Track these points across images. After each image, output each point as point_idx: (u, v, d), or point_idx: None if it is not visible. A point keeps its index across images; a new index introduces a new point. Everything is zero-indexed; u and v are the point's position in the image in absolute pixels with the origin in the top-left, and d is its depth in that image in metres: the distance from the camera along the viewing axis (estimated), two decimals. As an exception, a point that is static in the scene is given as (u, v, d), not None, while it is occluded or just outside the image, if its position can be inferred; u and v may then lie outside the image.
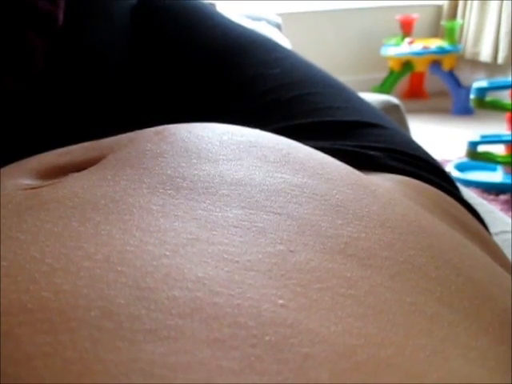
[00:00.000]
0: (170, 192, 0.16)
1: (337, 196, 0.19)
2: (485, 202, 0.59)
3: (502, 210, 1.45)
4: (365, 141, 0.34)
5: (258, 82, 0.39)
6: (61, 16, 0.39)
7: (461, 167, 1.69)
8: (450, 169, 1.67)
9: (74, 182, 0.17)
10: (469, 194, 0.59)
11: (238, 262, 0.13)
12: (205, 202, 0.16)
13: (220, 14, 0.47)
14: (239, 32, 0.44)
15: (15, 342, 0.11)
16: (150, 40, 0.45)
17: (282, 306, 0.12)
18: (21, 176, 0.20)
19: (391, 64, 2.53)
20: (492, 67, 2.49)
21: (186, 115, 0.40)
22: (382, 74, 2.59)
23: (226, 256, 0.13)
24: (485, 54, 2.48)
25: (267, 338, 0.11)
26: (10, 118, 0.38)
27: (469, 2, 2.58)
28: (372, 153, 0.32)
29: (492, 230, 0.42)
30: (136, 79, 0.43)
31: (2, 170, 0.21)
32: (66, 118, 0.40)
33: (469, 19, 2.57)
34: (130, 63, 0.43)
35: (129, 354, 0.11)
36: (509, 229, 0.52)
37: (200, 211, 0.15)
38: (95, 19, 0.43)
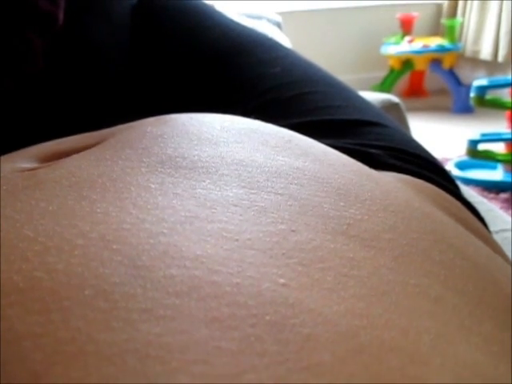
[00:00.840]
0: (169, 171, 0.16)
1: (339, 180, 0.18)
2: (485, 201, 0.59)
3: (502, 208, 1.45)
4: (365, 139, 0.34)
5: (258, 81, 0.39)
6: (61, 16, 0.39)
7: (461, 165, 1.69)
8: (450, 167, 1.67)
9: (72, 163, 0.17)
10: (469, 192, 0.59)
11: (237, 240, 0.13)
12: (204, 181, 0.16)
13: (220, 14, 0.47)
14: (239, 31, 0.44)
15: (7, 322, 0.11)
16: (149, 40, 0.44)
17: (283, 285, 0.12)
18: (20, 160, 0.19)
19: (391, 62, 2.53)
20: (492, 65, 2.49)
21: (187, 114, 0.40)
22: (383, 73, 2.59)
23: (225, 234, 0.13)
24: (485, 53, 2.48)
25: (267, 317, 0.11)
26: (9, 117, 0.38)
27: (469, 0, 2.57)
28: (372, 151, 0.32)
29: (492, 228, 0.42)
30: (136, 79, 0.43)
31: (2, 156, 0.21)
32: (65, 118, 0.40)
33: (469, 17, 2.57)
34: (130, 63, 0.43)
35: (123, 334, 0.10)
36: (509, 227, 0.52)
37: (199, 190, 0.15)
38: (95, 19, 0.43)
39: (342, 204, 0.16)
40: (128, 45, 0.44)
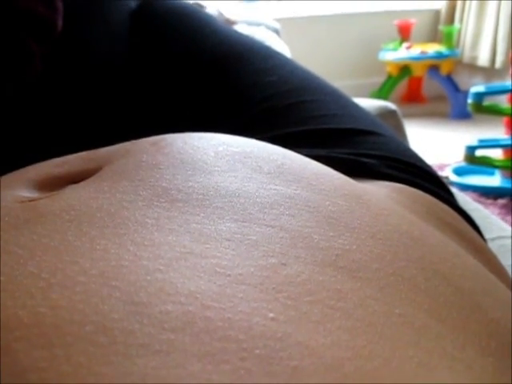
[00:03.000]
0: (164, 205, 0.17)
1: (329, 207, 0.19)
2: (481, 207, 0.59)
3: (499, 214, 1.45)
4: (360, 148, 0.34)
5: (255, 90, 0.40)
6: (59, 21, 0.40)
7: (459, 171, 1.69)
8: (448, 173, 1.68)
9: (71, 194, 0.18)
10: (465, 198, 0.60)
11: (229, 275, 0.14)
12: (199, 215, 0.16)
13: (217, 21, 0.47)
14: (236, 39, 0.45)
15: (12, 356, 0.11)
16: (147, 46, 0.45)
17: (272, 319, 0.12)
18: (19, 187, 0.20)
19: (389, 68, 2.54)
20: (490, 72, 2.50)
21: (184, 122, 0.40)
22: (380, 79, 2.60)
23: (218, 269, 0.14)
24: (482, 59, 2.49)
25: (257, 351, 0.12)
26: (8, 123, 0.39)
27: (466, 7, 2.59)
28: (367, 160, 0.32)
29: (488, 235, 0.42)
30: (134, 85, 0.43)
31: (2, 181, 0.22)
32: (64, 124, 0.40)
33: (466, 24, 2.58)
34: (128, 69, 0.44)
35: (122, 367, 0.11)
36: (505, 234, 0.52)
37: (194, 224, 0.16)
38: (94, 25, 0.43)
39: (331, 234, 0.17)
40: (126, 50, 0.44)
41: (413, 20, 2.56)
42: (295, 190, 0.19)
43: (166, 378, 0.11)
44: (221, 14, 1.47)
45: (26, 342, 0.11)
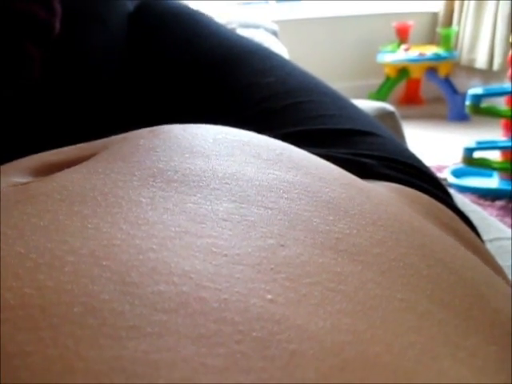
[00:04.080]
0: (160, 185, 0.16)
1: (329, 194, 0.19)
2: (479, 209, 0.59)
3: (497, 215, 1.45)
4: (358, 149, 0.34)
5: (252, 91, 0.40)
6: (57, 24, 0.40)
7: (457, 173, 1.69)
8: (446, 175, 1.68)
9: (64, 176, 0.17)
10: (463, 200, 0.59)
11: (226, 255, 0.13)
12: (195, 196, 0.16)
13: (215, 23, 0.47)
14: (234, 40, 0.45)
15: None
16: (145, 48, 0.45)
17: (270, 300, 0.12)
18: (13, 174, 0.19)
19: (387, 70, 2.54)
20: (487, 74, 2.51)
21: (181, 122, 0.40)
22: (379, 81, 2.60)
23: (214, 249, 0.13)
24: (480, 61, 2.50)
25: (254, 333, 0.11)
26: (7, 124, 0.38)
27: (464, 10, 2.60)
28: (365, 160, 0.32)
29: (486, 236, 0.42)
30: (131, 87, 0.43)
31: None
32: (61, 125, 0.40)
33: (464, 26, 2.59)
34: (126, 71, 0.44)
35: (111, 351, 0.10)
36: (503, 236, 0.52)
37: (190, 204, 0.15)
38: (92, 27, 0.43)
39: (331, 218, 0.16)
40: (124, 52, 0.44)
41: (411, 22, 2.57)
42: (294, 175, 0.19)
43: (157, 361, 0.10)
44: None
45: (11, 325, 0.11)
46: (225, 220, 0.14)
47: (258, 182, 0.17)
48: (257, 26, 1.68)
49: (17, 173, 0.20)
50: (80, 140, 0.27)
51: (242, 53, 0.43)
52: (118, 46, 0.44)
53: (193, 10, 0.48)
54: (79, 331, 0.11)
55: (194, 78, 0.42)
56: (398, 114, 0.85)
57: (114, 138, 0.22)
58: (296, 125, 0.36)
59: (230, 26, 1.40)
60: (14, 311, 0.11)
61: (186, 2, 0.49)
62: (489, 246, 0.43)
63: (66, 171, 0.18)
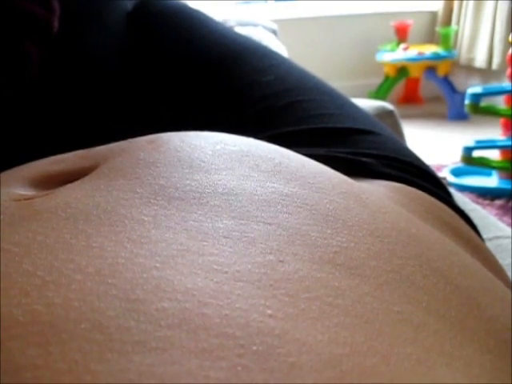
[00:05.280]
0: (161, 203, 0.17)
1: (327, 205, 0.19)
2: (478, 208, 0.60)
3: (497, 214, 1.45)
4: (358, 147, 0.34)
5: (251, 90, 0.40)
6: (55, 22, 0.40)
7: (456, 172, 1.70)
8: (445, 174, 1.68)
9: (67, 192, 0.18)
10: (463, 199, 0.60)
11: (227, 272, 0.13)
12: (196, 213, 0.16)
13: (214, 21, 0.47)
14: (233, 39, 0.45)
15: (7, 354, 0.11)
16: (144, 47, 0.45)
17: (269, 315, 0.12)
18: (14, 185, 0.20)
19: (386, 70, 2.54)
20: (486, 73, 2.51)
21: (181, 121, 0.40)
22: (378, 80, 2.60)
23: (215, 267, 0.14)
24: (479, 60, 2.50)
25: (254, 347, 0.11)
26: (5, 123, 0.38)
27: (463, 9, 2.59)
28: (365, 159, 0.32)
29: (485, 235, 0.42)
30: (131, 86, 0.43)
31: None
32: (60, 125, 0.40)
33: (463, 25, 2.59)
34: (125, 70, 0.44)
35: (118, 365, 0.11)
36: (502, 234, 0.52)
37: (191, 222, 0.16)
38: (90, 26, 0.43)
39: (329, 232, 0.17)
40: (123, 51, 0.44)
41: (410, 21, 2.57)
42: (293, 188, 0.19)
43: (162, 374, 0.11)
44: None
45: (21, 341, 0.11)
46: (225, 237, 0.15)
47: (257, 197, 0.18)
48: (256, 25, 1.68)
49: (17, 184, 0.20)
50: (79, 140, 0.27)
51: (241, 51, 0.43)
52: (117, 44, 0.44)
53: (191, 9, 0.48)
54: (87, 346, 0.11)
55: (194, 77, 0.42)
56: (397, 113, 0.85)
57: (112, 148, 0.22)
58: (296, 124, 0.36)
59: (228, 25, 1.40)
60: (23, 327, 0.12)
61: (184, 1, 0.49)
62: (488, 244, 0.43)
63: (69, 187, 0.18)
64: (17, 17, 0.37)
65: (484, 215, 0.57)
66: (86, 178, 0.19)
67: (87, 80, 0.42)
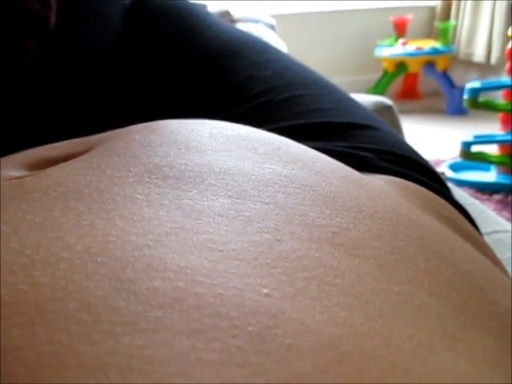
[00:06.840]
0: (156, 181, 0.16)
1: (326, 187, 0.18)
2: (477, 202, 0.59)
3: (495, 209, 1.45)
4: (356, 142, 0.34)
5: (250, 84, 0.40)
6: (53, 18, 0.39)
7: (455, 167, 1.69)
8: (444, 169, 1.68)
9: (59, 171, 0.17)
10: (461, 194, 0.59)
11: (222, 250, 0.13)
12: (191, 191, 0.16)
13: (212, 16, 0.47)
14: (231, 34, 0.44)
15: None
16: (142, 42, 0.45)
17: (266, 295, 0.12)
18: (8, 168, 0.19)
19: (385, 65, 2.54)
20: (485, 68, 2.51)
21: (179, 116, 0.40)
22: (376, 75, 2.60)
23: (210, 245, 0.13)
24: (478, 55, 2.49)
25: (250, 328, 0.11)
26: (2, 120, 0.38)
27: (462, 3, 2.59)
28: (363, 154, 0.32)
29: (484, 229, 0.42)
30: (128, 81, 0.43)
31: None
32: (58, 121, 0.40)
33: (462, 20, 2.58)
34: (122, 65, 0.43)
35: (106, 346, 0.10)
36: (501, 229, 0.52)
37: (186, 200, 0.15)
38: (87, 21, 0.43)
39: (328, 212, 0.16)
40: (120, 47, 0.44)
41: (408, 16, 2.56)
42: (291, 169, 0.19)
43: (152, 356, 0.10)
44: (227, 13, 1.46)
45: (6, 321, 0.11)
46: (221, 215, 0.14)
47: (254, 177, 0.17)
48: (256, 21, 1.68)
49: (12, 167, 0.20)
50: (77, 135, 0.27)
51: (239, 45, 0.43)
52: (115, 39, 0.44)
53: (189, 4, 0.47)
54: (74, 327, 0.11)
55: (191, 72, 0.42)
56: (395, 108, 0.85)
57: (109, 133, 0.22)
58: (294, 118, 0.36)
59: (229, 19, 1.39)
60: (8, 307, 0.11)
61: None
62: (487, 238, 0.43)
63: (61, 166, 0.18)
64: (14, 12, 0.37)
65: (482, 210, 0.56)
66: (79, 158, 0.18)
67: (85, 76, 0.42)
